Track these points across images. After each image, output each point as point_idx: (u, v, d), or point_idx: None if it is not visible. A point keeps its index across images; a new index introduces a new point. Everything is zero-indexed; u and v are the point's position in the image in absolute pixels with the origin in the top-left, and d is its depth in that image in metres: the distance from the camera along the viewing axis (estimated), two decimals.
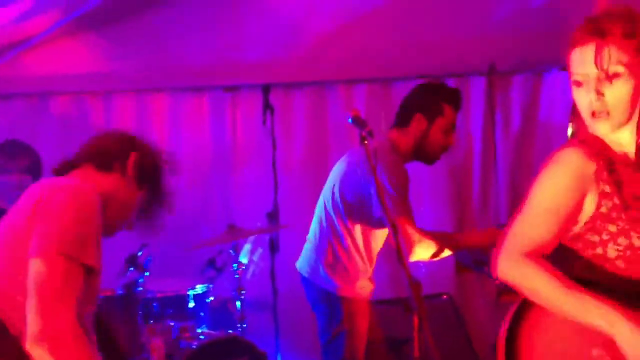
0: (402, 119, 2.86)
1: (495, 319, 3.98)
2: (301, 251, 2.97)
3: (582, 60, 1.65)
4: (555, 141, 4.16)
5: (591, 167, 1.65)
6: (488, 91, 4.14)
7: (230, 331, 3.37)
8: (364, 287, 2.82)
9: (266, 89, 3.79)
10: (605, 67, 1.61)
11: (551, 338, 1.65)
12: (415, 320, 2.19)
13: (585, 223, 1.67)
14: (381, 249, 2.86)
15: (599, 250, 1.68)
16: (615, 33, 1.62)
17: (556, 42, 3.92)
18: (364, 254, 2.81)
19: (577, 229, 1.68)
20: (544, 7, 3.81)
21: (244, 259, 3.64)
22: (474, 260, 2.91)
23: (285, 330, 3.65)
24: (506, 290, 2.64)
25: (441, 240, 2.72)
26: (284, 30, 3.64)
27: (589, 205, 1.66)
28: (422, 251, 2.65)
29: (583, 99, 1.67)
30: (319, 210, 2.92)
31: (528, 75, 4.15)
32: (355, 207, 2.76)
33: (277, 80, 3.93)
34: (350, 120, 2.40)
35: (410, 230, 2.61)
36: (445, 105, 2.82)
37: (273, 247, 3.69)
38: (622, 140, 1.71)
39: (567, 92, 4.22)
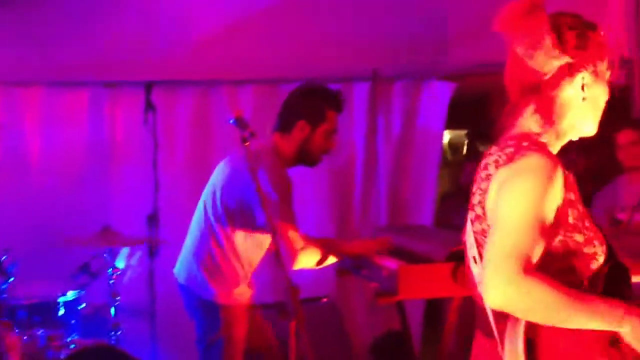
0: (285, 125, 2.84)
1: (372, 322, 4.11)
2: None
3: (606, 63, 1.65)
4: (431, 147, 4.32)
5: (560, 173, 1.55)
6: (371, 96, 4.22)
7: (103, 339, 3.24)
8: (243, 293, 2.79)
9: (148, 87, 3.67)
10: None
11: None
12: (292, 325, 2.20)
13: (558, 233, 1.56)
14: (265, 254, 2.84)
15: (570, 259, 1.58)
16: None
17: (436, 51, 4.12)
18: (243, 260, 2.77)
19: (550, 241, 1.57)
20: (427, 16, 3.95)
21: (120, 264, 3.51)
22: (354, 264, 2.96)
23: (163, 337, 3.55)
24: (382, 293, 2.72)
25: (326, 247, 2.74)
26: (168, 27, 3.55)
27: (562, 214, 1.55)
28: (306, 259, 2.64)
29: (604, 98, 1.67)
30: (198, 214, 2.86)
31: (409, 82, 4.28)
32: (237, 213, 2.72)
33: (160, 77, 3.81)
34: (232, 121, 2.38)
35: (293, 237, 2.59)
36: (328, 110, 2.83)
37: (152, 251, 3.58)
38: (560, 144, 1.69)
39: (444, 100, 4.43)
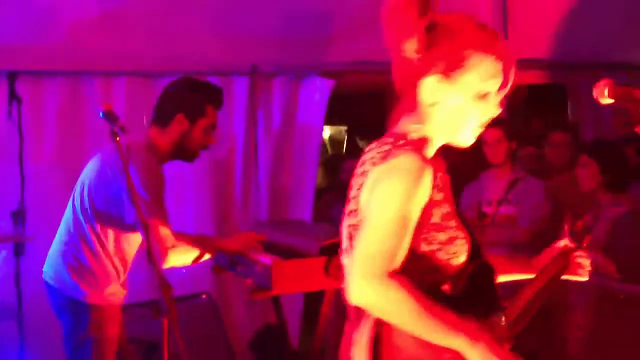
0: (162, 118, 2.76)
1: (251, 317, 4.11)
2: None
3: (496, 73, 1.59)
4: (311, 142, 4.38)
5: (429, 173, 1.56)
6: (250, 91, 4.22)
7: None
8: (115, 293, 2.72)
9: (12, 77, 3.47)
10: (508, 84, 1.62)
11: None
12: (165, 322, 2.17)
13: (421, 232, 1.58)
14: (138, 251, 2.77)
15: (431, 257, 1.60)
16: (509, 51, 1.62)
17: (316, 48, 4.18)
18: (115, 259, 2.70)
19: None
20: (307, 13, 4.00)
21: None
22: (229, 260, 2.96)
23: (31, 340, 3.38)
24: (257, 288, 2.74)
25: (199, 244, 2.71)
26: (35, 14, 3.37)
27: (425, 215, 1.58)
28: (177, 257, 2.60)
29: (481, 109, 1.61)
30: (67, 212, 2.75)
31: (288, 77, 4.31)
32: (106, 211, 2.64)
33: (25, 67, 3.61)
34: (101, 114, 2.30)
35: (164, 235, 2.54)
36: (208, 105, 2.78)
37: (18, 250, 3.40)
38: (437, 145, 1.68)
39: (323, 96, 4.50)
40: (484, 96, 1.60)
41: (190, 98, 2.77)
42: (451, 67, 1.59)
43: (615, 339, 3.19)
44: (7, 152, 3.58)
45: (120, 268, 2.72)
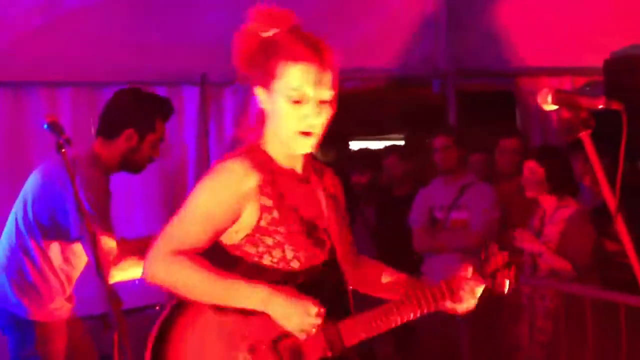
0: (109, 130, 2.69)
1: None
2: None
3: (304, 80, 1.66)
4: None
5: (253, 179, 1.69)
6: (201, 101, 4.18)
7: None
8: (60, 307, 2.65)
9: None
10: (324, 91, 1.68)
11: (198, 341, 1.68)
12: (115, 336, 2.13)
13: (246, 235, 1.70)
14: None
15: (255, 259, 1.71)
16: (330, 60, 1.69)
17: None
18: (60, 274, 2.64)
19: (236, 239, 1.71)
20: None
21: None
22: None
23: None
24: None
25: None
26: None
27: (249, 218, 1.69)
28: (122, 273, 2.52)
29: (295, 115, 1.68)
30: (9, 227, 2.67)
31: (239, 86, 4.27)
32: (50, 225, 2.58)
33: None
34: (45, 126, 2.25)
35: (109, 248, 2.49)
36: (157, 119, 2.73)
37: None
38: (294, 154, 1.76)
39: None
40: (297, 102, 1.67)
41: (139, 112, 2.71)
42: (262, 74, 1.72)
43: (575, 340, 3.25)
44: None
45: (66, 282, 2.66)
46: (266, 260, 1.71)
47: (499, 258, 1.81)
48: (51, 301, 2.62)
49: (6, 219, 2.71)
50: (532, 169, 3.51)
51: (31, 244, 2.60)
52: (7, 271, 2.61)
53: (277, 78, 1.68)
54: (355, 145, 6.48)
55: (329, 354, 1.70)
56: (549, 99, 1.53)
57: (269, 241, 1.70)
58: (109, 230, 2.52)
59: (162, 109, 2.78)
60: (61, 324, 2.64)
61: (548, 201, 3.51)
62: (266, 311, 1.64)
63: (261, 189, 1.69)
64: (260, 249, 1.71)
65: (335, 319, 1.72)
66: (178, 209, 1.74)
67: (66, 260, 2.64)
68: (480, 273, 1.81)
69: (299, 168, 1.79)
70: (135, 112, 2.70)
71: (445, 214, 3.92)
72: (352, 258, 1.93)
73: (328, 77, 1.68)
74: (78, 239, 2.52)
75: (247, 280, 1.65)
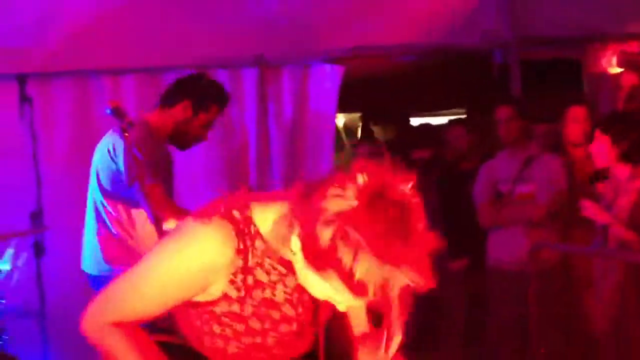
0: (169, 100, 2.89)
1: None
2: (70, 251, 2.84)
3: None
4: (325, 131, 4.36)
5: (230, 265, 1.38)
6: (259, 82, 4.20)
7: None
8: None
9: (22, 79, 3.49)
10: None
11: None
12: None
13: (196, 307, 1.44)
14: None
15: (195, 333, 1.47)
16: None
17: (324, 35, 4.15)
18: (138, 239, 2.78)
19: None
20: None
21: (5, 266, 3.36)
22: None
23: (54, 339, 3.41)
24: None
25: None
26: (39, 15, 3.39)
27: (207, 297, 1.42)
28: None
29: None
30: (90, 203, 2.84)
31: (296, 66, 4.29)
32: (116, 191, 2.74)
33: (33, 69, 3.64)
34: (109, 111, 2.37)
35: (162, 197, 2.61)
36: (212, 103, 2.92)
37: (38, 250, 3.43)
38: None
39: (334, 83, 4.47)
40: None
41: (199, 90, 2.91)
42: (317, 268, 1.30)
43: None
44: (22, 153, 3.61)
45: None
46: (206, 341, 1.46)
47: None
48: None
49: (81, 203, 2.83)
50: (601, 137, 3.39)
51: (112, 211, 2.76)
52: (100, 244, 2.77)
53: None
54: (415, 122, 6.39)
55: None
56: (614, 61, 1.45)
57: (216, 329, 1.44)
58: (160, 185, 2.63)
59: (220, 96, 2.98)
60: None
61: (621, 170, 3.38)
62: None
63: (231, 277, 1.40)
64: (205, 328, 1.44)
65: None
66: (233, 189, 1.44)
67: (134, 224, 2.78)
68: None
69: (286, 254, 1.39)
70: (195, 89, 2.91)
71: (511, 187, 3.82)
72: None
73: None
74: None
75: None
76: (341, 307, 1.35)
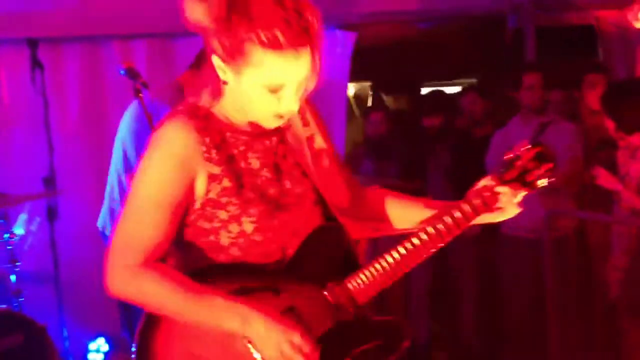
0: (202, 62, 2.83)
1: None
2: (83, 216, 2.85)
3: (286, 70, 1.37)
4: (337, 98, 4.32)
5: (199, 143, 1.42)
6: None
7: (2, 305, 3.11)
8: None
9: (33, 44, 3.46)
10: (305, 70, 1.39)
11: (191, 342, 1.43)
12: None
13: (195, 209, 1.45)
14: None
15: (212, 238, 1.46)
16: (319, 35, 1.39)
17: (334, 0, 4.09)
18: None
19: (187, 217, 1.46)
20: None
21: (19, 230, 3.38)
22: None
23: (69, 302, 3.43)
24: None
25: None
26: None
27: (199, 189, 1.44)
28: None
29: (271, 101, 1.41)
30: (113, 167, 2.81)
31: None
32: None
33: (44, 34, 3.61)
34: (122, 72, 2.36)
35: None
36: None
37: (51, 215, 3.43)
38: (239, 110, 1.47)
39: (347, 50, 4.40)
40: (275, 90, 1.39)
41: None
42: (231, 55, 1.38)
43: None
44: (34, 119, 3.60)
45: None
46: (224, 238, 1.45)
47: (527, 155, 1.56)
48: None
49: (93, 168, 2.82)
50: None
51: (130, 181, 2.71)
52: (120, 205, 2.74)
53: (250, 65, 1.37)
54: (427, 91, 6.34)
55: (342, 319, 1.47)
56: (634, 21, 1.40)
57: (223, 215, 1.44)
58: None
59: None
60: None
61: (635, 138, 3.33)
62: (244, 333, 1.38)
63: (206, 155, 1.43)
64: (215, 224, 1.45)
65: (342, 277, 1.48)
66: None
67: None
68: (501, 178, 1.55)
69: (244, 125, 1.49)
70: None
71: None
72: (352, 198, 1.65)
73: (311, 54, 1.38)
74: None
75: (226, 299, 1.39)
76: (285, 107, 1.41)
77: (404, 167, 4.20)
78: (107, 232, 2.81)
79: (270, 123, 1.46)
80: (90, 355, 3.68)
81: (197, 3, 1.42)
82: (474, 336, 4.13)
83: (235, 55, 1.37)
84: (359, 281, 1.48)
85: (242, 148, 1.47)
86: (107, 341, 3.68)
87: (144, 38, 3.90)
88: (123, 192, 2.77)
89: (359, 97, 6.66)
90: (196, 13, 1.42)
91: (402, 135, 4.52)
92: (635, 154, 3.31)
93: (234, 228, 1.45)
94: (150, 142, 1.44)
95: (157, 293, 1.38)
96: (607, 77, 4.09)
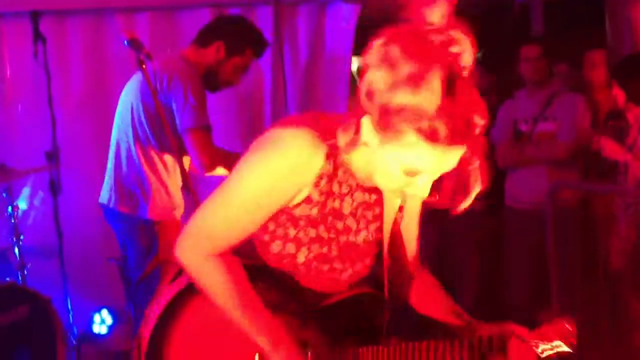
0: (203, 39, 2.81)
1: None
2: (86, 190, 2.84)
3: (438, 159, 1.30)
4: (340, 72, 4.29)
5: (319, 166, 1.37)
6: (275, 22, 4.12)
7: (7, 279, 3.12)
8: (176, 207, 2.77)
9: (35, 17, 3.43)
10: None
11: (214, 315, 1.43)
12: None
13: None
14: None
15: (266, 238, 1.45)
16: (478, 139, 1.32)
17: None
18: (166, 180, 2.73)
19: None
20: None
21: (23, 204, 3.38)
22: None
23: (72, 275, 3.44)
24: None
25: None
26: None
27: (292, 201, 1.41)
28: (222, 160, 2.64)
29: (402, 180, 1.34)
30: (119, 139, 2.79)
31: (314, 5, 4.20)
32: (152, 131, 2.68)
33: (47, 6, 3.58)
34: (126, 42, 2.35)
35: (205, 143, 2.59)
36: (248, 48, 2.83)
37: (54, 189, 3.42)
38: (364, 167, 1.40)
39: (350, 23, 4.37)
40: (411, 174, 1.31)
41: (236, 32, 2.82)
42: (382, 126, 1.27)
43: None
44: (37, 92, 3.58)
45: (172, 189, 2.75)
46: (275, 247, 1.44)
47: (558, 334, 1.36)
48: (168, 202, 2.73)
49: (96, 142, 2.81)
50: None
51: (144, 149, 2.71)
52: (127, 179, 2.74)
53: (398, 143, 1.27)
54: None
55: None
56: None
57: (291, 231, 1.43)
58: (207, 126, 2.60)
59: (258, 42, 2.89)
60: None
61: None
62: (268, 354, 1.40)
63: (317, 179, 1.38)
64: (279, 232, 1.43)
65: (360, 344, 1.47)
66: (250, 140, 1.40)
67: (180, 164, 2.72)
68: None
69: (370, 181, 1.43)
70: (232, 31, 2.82)
71: (531, 127, 3.76)
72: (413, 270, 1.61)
73: (464, 151, 1.31)
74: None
75: (268, 319, 1.40)
76: (411, 190, 1.33)
77: None
78: (112, 206, 2.77)
79: (390, 194, 1.44)
80: (94, 327, 3.70)
81: None
82: (475, 308, 4.13)
83: (388, 129, 1.27)
84: (371, 352, 1.46)
85: (345, 190, 1.43)
86: (111, 314, 3.70)
87: (147, 11, 3.86)
88: (132, 163, 2.74)
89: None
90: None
91: None
92: None
93: (290, 248, 1.44)
94: (271, 137, 1.36)
95: (215, 283, 1.39)
96: (610, 52, 4.05)
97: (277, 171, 1.34)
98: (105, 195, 2.82)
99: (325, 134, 1.36)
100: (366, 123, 1.30)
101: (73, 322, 3.33)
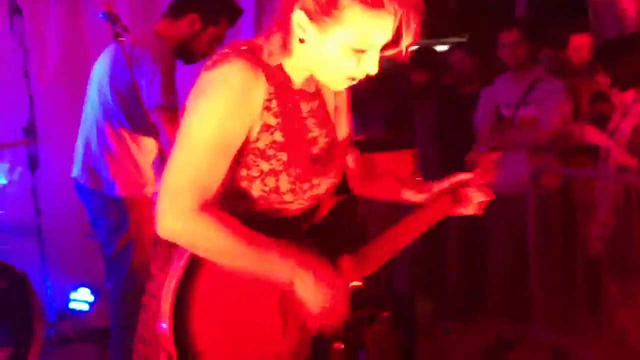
0: (176, 11, 2.74)
1: None
2: (65, 165, 2.81)
3: (379, 32, 1.34)
4: None
5: (264, 89, 1.38)
6: (257, 4, 4.06)
7: None
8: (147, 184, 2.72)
9: None
10: (390, 34, 1.36)
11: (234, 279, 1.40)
12: None
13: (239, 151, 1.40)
14: None
15: (244, 184, 1.42)
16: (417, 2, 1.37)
17: None
18: (137, 154, 2.69)
19: None
20: None
21: (1, 180, 3.33)
22: None
23: (51, 251, 3.41)
24: None
25: None
26: None
27: (250, 135, 1.40)
28: None
29: (351, 64, 1.38)
30: (90, 113, 2.72)
31: None
32: (121, 106, 2.62)
33: None
34: (102, 15, 2.31)
35: (174, 122, 2.54)
36: (223, 17, 2.75)
37: (32, 164, 3.38)
38: (303, 69, 1.45)
39: None
40: (360, 51, 1.36)
41: (211, 4, 2.75)
42: (321, 11, 1.32)
43: (637, 236, 3.16)
44: (13, 66, 3.51)
45: (144, 167, 2.71)
46: (256, 189, 1.42)
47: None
48: (138, 179, 2.69)
49: (74, 117, 2.76)
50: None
51: (114, 125, 2.65)
52: (97, 155, 2.68)
53: (341, 23, 1.32)
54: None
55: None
56: None
57: (264, 166, 1.42)
58: (175, 104, 2.52)
59: (232, 10, 2.81)
60: (150, 204, 2.69)
61: (628, 94, 3.32)
62: (293, 281, 1.37)
63: (266, 103, 1.40)
64: (253, 172, 1.41)
65: (352, 249, 1.52)
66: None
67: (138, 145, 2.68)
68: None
69: (312, 87, 1.52)
70: (206, 2, 2.74)
71: (513, 111, 3.76)
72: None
73: (403, 18, 1.35)
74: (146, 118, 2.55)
75: (280, 248, 1.36)
76: (361, 72, 1.39)
77: (389, 122, 4.18)
78: (82, 182, 2.73)
79: (340, 85, 1.45)
80: (72, 304, 3.67)
81: None
82: (458, 291, 4.16)
83: (329, 10, 1.31)
84: (365, 254, 1.52)
85: (294, 104, 1.47)
86: (92, 291, 3.67)
87: None
88: (102, 138, 2.69)
89: None
90: None
91: (387, 91, 4.48)
92: (628, 111, 3.30)
93: (270, 182, 1.43)
94: (207, 80, 1.35)
95: (212, 236, 1.32)
96: (594, 35, 4.06)
97: (229, 103, 1.34)
98: (76, 169, 2.78)
99: (253, 56, 1.38)
100: (297, 18, 1.34)
101: (52, 298, 3.30)
